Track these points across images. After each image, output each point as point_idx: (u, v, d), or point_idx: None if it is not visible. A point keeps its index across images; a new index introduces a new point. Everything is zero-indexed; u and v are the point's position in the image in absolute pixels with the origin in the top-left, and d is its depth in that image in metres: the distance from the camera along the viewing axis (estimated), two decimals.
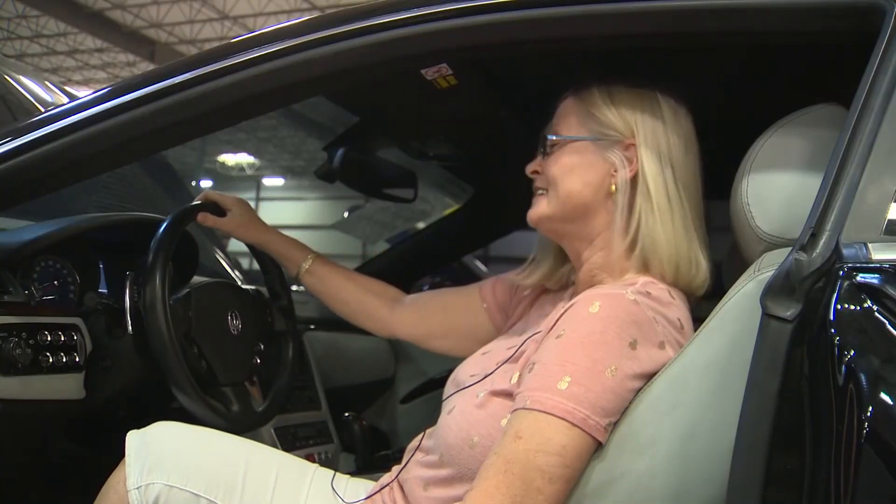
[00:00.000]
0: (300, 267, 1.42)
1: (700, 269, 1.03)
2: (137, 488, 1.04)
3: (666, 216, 1.02)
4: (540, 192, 1.10)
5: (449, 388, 1.12)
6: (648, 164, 1.03)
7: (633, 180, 1.03)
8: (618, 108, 1.06)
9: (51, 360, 1.12)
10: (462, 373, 1.12)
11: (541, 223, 1.11)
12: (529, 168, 1.12)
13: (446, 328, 1.38)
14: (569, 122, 1.09)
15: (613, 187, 1.04)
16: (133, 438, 1.09)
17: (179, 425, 1.13)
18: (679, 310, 0.98)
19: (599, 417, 0.86)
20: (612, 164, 1.04)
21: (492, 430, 0.95)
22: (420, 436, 1.13)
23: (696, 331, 0.91)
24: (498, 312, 1.32)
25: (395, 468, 1.12)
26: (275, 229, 1.45)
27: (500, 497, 0.84)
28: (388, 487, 1.10)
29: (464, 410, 1.01)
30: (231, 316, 1.36)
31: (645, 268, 1.02)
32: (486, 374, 1.04)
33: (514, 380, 0.96)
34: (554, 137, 1.09)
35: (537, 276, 1.19)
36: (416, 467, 1.07)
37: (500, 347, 1.11)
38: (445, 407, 1.07)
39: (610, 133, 1.05)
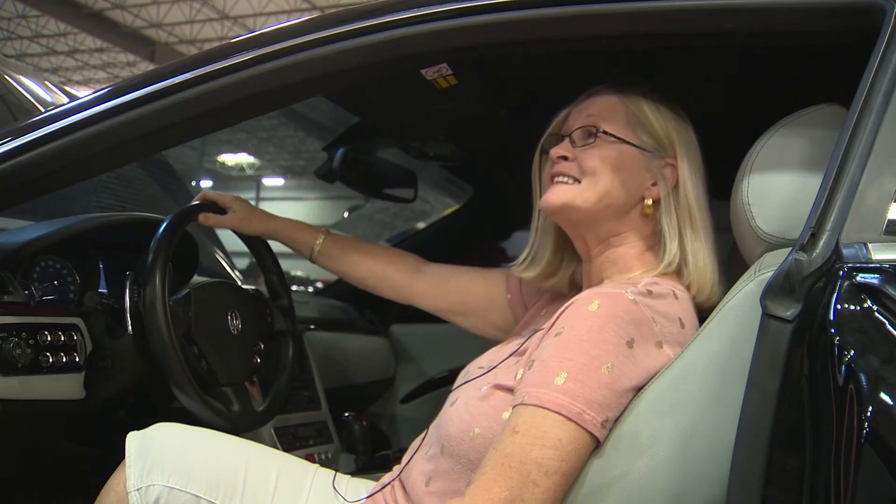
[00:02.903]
0: (312, 248, 1.41)
1: (721, 288, 1.05)
2: (137, 490, 1.04)
3: (708, 237, 1.05)
4: (565, 179, 1.07)
5: (459, 380, 1.12)
6: (692, 185, 1.06)
7: (667, 197, 1.06)
8: (664, 122, 1.07)
9: (51, 360, 1.12)
10: (473, 366, 1.12)
11: (563, 211, 1.07)
12: (557, 152, 1.08)
13: (465, 308, 1.38)
14: (616, 120, 1.06)
15: (649, 201, 1.06)
16: (133, 440, 1.09)
17: (179, 426, 1.13)
18: (681, 308, 0.98)
19: (595, 413, 0.87)
20: (651, 176, 1.06)
21: (493, 422, 0.96)
22: (422, 435, 1.13)
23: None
24: (520, 306, 1.32)
25: (397, 468, 1.13)
26: (279, 216, 1.44)
27: (497, 489, 0.84)
28: (389, 486, 1.11)
29: (466, 402, 1.02)
30: (231, 316, 1.36)
31: (675, 274, 1.04)
32: (490, 367, 1.05)
33: (518, 376, 0.96)
34: (602, 132, 1.05)
35: (536, 272, 1.18)
36: (417, 463, 1.07)
37: (510, 343, 1.12)
38: (450, 399, 1.07)
39: (657, 147, 1.07)
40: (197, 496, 1.04)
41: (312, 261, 1.43)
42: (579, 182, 1.06)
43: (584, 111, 1.09)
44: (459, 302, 1.38)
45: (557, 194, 1.06)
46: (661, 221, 1.06)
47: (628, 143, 1.05)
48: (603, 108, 1.08)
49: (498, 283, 1.35)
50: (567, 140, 1.08)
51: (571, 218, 1.08)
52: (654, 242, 1.08)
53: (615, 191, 1.05)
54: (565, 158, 1.07)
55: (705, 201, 1.07)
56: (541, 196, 1.12)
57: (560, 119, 1.13)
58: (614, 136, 1.05)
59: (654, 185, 1.07)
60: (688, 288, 1.03)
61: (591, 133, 1.06)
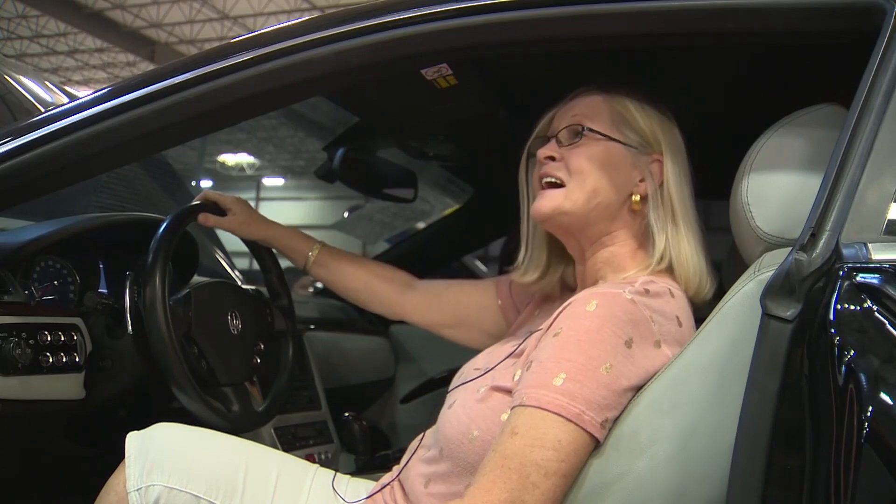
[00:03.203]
0: (307, 258, 1.42)
1: (712, 282, 1.05)
2: (137, 490, 1.04)
3: (690, 233, 1.05)
4: (552, 181, 1.07)
5: (454, 382, 1.12)
6: (675, 182, 1.06)
7: (655, 194, 1.06)
8: (649, 120, 1.08)
9: (51, 360, 1.12)
10: (468, 367, 1.12)
11: (554, 217, 1.06)
12: (544, 153, 1.07)
13: (458, 320, 1.38)
14: (601, 119, 1.06)
15: (637, 197, 1.06)
16: (133, 440, 1.09)
17: (179, 426, 1.13)
18: (678, 307, 0.98)
19: (595, 413, 0.87)
20: (639, 173, 1.06)
21: (491, 424, 0.96)
22: (421, 435, 1.14)
23: (696, 328, 0.92)
24: (512, 310, 1.32)
25: (396, 468, 1.13)
26: (277, 223, 1.45)
27: (497, 491, 0.84)
28: (388, 486, 1.11)
29: (464, 404, 1.01)
30: (231, 316, 1.36)
31: (668, 272, 1.04)
32: (488, 368, 1.05)
33: (517, 377, 0.96)
34: (588, 129, 1.05)
35: (534, 276, 1.18)
36: (416, 464, 1.07)
37: (506, 344, 1.12)
38: (447, 401, 1.07)
39: (643, 144, 1.07)
40: (197, 496, 1.04)
41: (306, 271, 1.44)
42: (565, 185, 1.06)
43: (569, 112, 1.09)
44: (452, 314, 1.38)
45: (545, 202, 1.06)
46: (650, 217, 1.06)
47: (614, 139, 1.06)
48: (587, 108, 1.08)
49: (488, 291, 1.36)
50: (553, 141, 1.09)
51: (563, 223, 1.08)
52: (645, 240, 1.08)
53: (604, 189, 1.05)
54: (552, 159, 1.07)
55: (689, 198, 1.08)
56: (529, 201, 1.12)
57: (546, 121, 1.13)
58: (600, 134, 1.06)
59: (641, 181, 1.07)
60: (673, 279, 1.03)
61: (577, 132, 1.06)
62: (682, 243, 1.04)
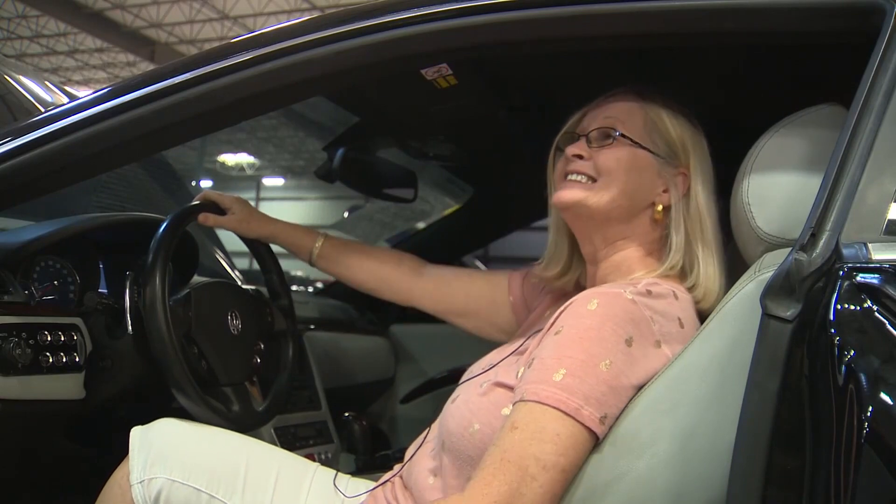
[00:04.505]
0: (311, 252, 1.42)
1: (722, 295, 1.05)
2: (140, 482, 1.05)
3: (717, 250, 1.06)
4: (578, 177, 1.08)
5: (462, 379, 1.12)
6: (704, 197, 1.07)
7: (678, 205, 1.07)
8: (681, 130, 1.08)
9: (51, 360, 1.12)
10: (476, 365, 1.13)
11: (574, 208, 1.07)
12: (573, 150, 1.08)
13: (467, 310, 1.38)
14: (634, 124, 1.07)
15: (660, 206, 1.07)
16: (136, 434, 1.10)
17: (183, 422, 1.14)
18: (681, 309, 0.98)
19: (593, 409, 0.87)
20: (663, 182, 1.07)
21: (492, 418, 0.96)
22: (425, 432, 1.14)
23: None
24: (522, 307, 1.32)
25: (397, 466, 1.13)
26: (278, 220, 1.44)
27: (496, 484, 0.85)
28: (389, 483, 1.11)
29: (467, 399, 1.02)
30: (231, 316, 1.36)
31: (676, 277, 1.04)
32: (492, 365, 1.05)
33: (519, 374, 0.97)
34: (620, 134, 1.06)
35: (555, 270, 1.19)
36: (421, 459, 1.08)
37: (513, 343, 1.12)
38: (451, 397, 1.08)
39: (671, 154, 1.07)
40: (198, 490, 1.05)
41: (312, 264, 1.43)
42: (594, 181, 1.06)
43: (603, 112, 1.10)
44: (462, 304, 1.38)
45: (570, 192, 1.07)
46: (670, 228, 1.07)
47: (644, 147, 1.06)
48: (622, 112, 1.08)
49: (500, 286, 1.35)
50: (583, 139, 1.09)
51: (582, 216, 1.08)
52: (660, 247, 1.09)
53: (627, 193, 1.06)
54: (581, 157, 1.08)
55: (716, 213, 1.08)
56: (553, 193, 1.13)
57: (576, 118, 1.13)
58: (631, 140, 1.06)
59: (665, 191, 1.07)
60: (690, 290, 1.03)
61: (609, 135, 1.07)
62: (709, 258, 1.05)
